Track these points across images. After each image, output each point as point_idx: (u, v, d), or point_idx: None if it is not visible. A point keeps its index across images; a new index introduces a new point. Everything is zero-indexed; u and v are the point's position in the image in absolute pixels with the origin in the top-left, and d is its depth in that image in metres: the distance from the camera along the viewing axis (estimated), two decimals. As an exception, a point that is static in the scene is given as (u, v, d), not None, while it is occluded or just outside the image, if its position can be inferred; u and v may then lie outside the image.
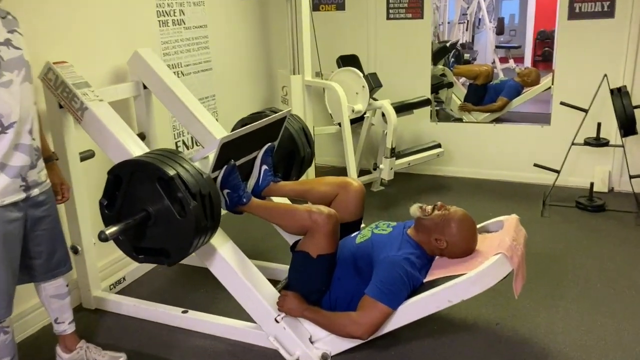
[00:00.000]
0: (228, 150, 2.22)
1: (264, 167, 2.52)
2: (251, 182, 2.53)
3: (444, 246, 2.16)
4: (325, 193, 2.45)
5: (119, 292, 2.84)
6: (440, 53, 5.03)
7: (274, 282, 2.42)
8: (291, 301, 2.19)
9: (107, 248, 2.53)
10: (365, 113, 3.78)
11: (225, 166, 2.25)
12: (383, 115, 3.61)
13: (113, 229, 1.92)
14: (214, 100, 3.75)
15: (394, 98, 3.94)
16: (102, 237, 1.89)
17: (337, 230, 2.19)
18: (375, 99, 3.73)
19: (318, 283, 2.24)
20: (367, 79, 3.44)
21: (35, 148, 1.87)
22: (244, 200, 2.31)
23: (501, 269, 2.00)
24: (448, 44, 5.50)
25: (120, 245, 2.15)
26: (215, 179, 2.23)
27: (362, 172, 4.08)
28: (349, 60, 3.94)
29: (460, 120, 5.07)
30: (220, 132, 2.71)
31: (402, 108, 3.81)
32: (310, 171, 3.84)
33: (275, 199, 2.61)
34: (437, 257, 2.24)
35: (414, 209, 2.24)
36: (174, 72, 3.33)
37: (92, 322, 2.61)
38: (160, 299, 2.70)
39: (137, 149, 2.28)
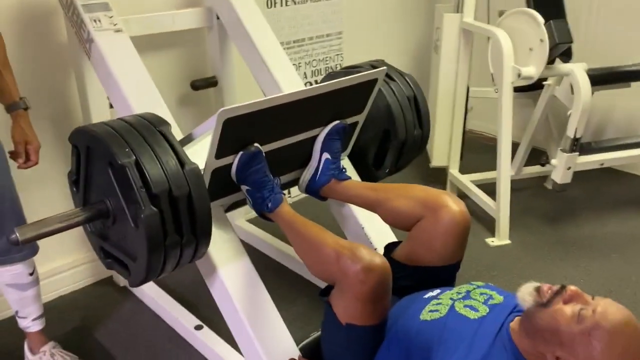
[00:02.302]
0: (247, 127, 1.43)
1: (326, 155, 1.67)
2: (306, 175, 1.71)
3: None
4: (404, 211, 1.50)
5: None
6: None
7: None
8: None
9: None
10: (545, 80, 2.56)
11: (242, 152, 1.47)
12: (573, 86, 2.37)
13: (29, 233, 1.30)
14: (340, 40, 2.88)
15: (606, 61, 2.61)
16: (12, 239, 1.28)
17: (383, 292, 1.28)
18: (565, 60, 2.49)
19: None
20: (550, 28, 2.22)
21: None
22: (269, 204, 1.52)
23: None
24: None
25: (88, 237, 1.56)
26: (220, 169, 1.47)
27: (533, 155, 2.89)
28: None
29: None
30: (293, 89, 1.89)
31: (606, 78, 2.48)
32: (455, 136, 2.82)
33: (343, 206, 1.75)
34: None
35: (525, 292, 1.20)
36: (281, 0, 2.55)
37: (111, 300, 2.16)
38: (193, 295, 2.11)
39: (142, 107, 1.60)
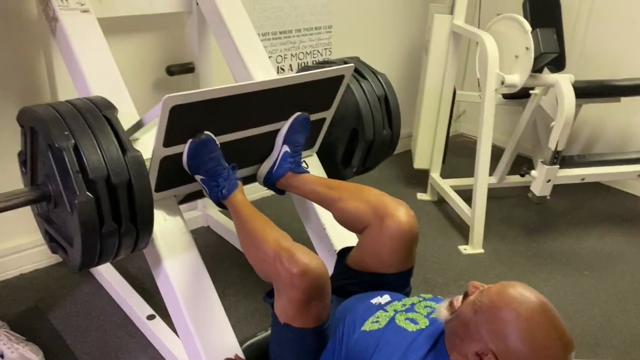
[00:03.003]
0: (199, 116, 1.39)
1: (286, 148, 1.64)
2: (265, 167, 1.69)
3: None
4: (354, 214, 1.47)
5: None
6: None
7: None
8: None
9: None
10: (532, 88, 2.50)
11: (191, 140, 1.43)
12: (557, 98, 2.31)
13: None
14: (329, 34, 2.83)
15: (600, 74, 2.55)
16: None
17: (317, 296, 1.24)
18: (553, 70, 2.43)
19: (286, 360, 1.36)
20: (536, 36, 2.16)
21: None
22: (223, 191, 1.49)
23: None
24: None
25: (35, 219, 1.54)
26: (170, 158, 1.43)
27: (519, 162, 2.84)
28: (541, 6, 2.60)
29: None
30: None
31: (594, 91, 2.42)
32: (439, 139, 2.77)
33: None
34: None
35: (441, 307, 1.17)
36: (269, -11, 2.50)
37: (71, 282, 2.14)
38: (153, 283, 2.08)
39: (101, 90, 1.56)
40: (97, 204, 1.24)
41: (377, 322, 1.28)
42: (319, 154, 1.89)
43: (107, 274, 2.09)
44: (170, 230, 1.51)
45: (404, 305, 1.33)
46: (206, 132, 1.44)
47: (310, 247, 1.56)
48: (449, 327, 1.13)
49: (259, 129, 1.57)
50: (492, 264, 2.39)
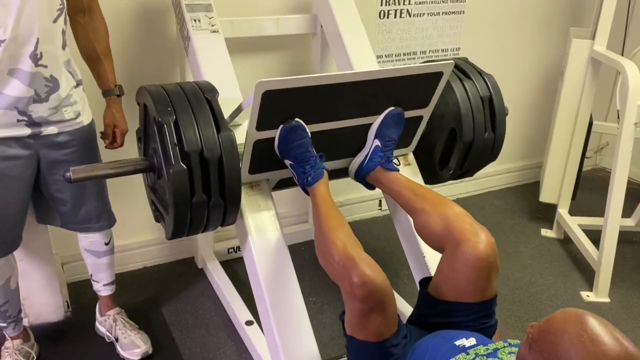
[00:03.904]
0: (290, 102, 1.45)
1: (377, 142, 1.63)
2: (356, 161, 1.69)
3: None
4: (430, 229, 1.42)
5: (235, 259, 2.42)
6: None
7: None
8: None
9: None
10: (683, 123, 2.21)
11: (282, 125, 1.48)
12: None
13: (81, 173, 1.41)
14: (457, 56, 2.75)
15: None
16: (66, 177, 1.40)
17: (379, 310, 1.22)
18: None
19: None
20: (688, 66, 1.91)
21: (46, 78, 1.49)
22: (309, 179, 1.53)
23: None
24: None
25: (145, 189, 1.67)
26: (263, 142, 1.50)
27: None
28: None
29: None
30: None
31: None
32: (570, 171, 2.54)
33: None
34: None
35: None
36: (396, 12, 2.51)
37: (187, 280, 2.31)
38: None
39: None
40: (190, 175, 1.34)
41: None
42: (415, 153, 1.86)
43: (217, 276, 2.23)
44: (258, 210, 1.57)
45: (487, 349, 1.25)
46: (297, 119, 1.48)
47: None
48: None
49: (351, 122, 1.58)
50: (617, 314, 2.14)
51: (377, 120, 1.61)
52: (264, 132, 1.47)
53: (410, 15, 2.56)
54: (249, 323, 1.96)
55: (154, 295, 2.21)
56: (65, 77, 1.55)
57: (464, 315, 1.34)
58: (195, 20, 1.85)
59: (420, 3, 2.55)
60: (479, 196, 3.12)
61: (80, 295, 2.16)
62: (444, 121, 1.76)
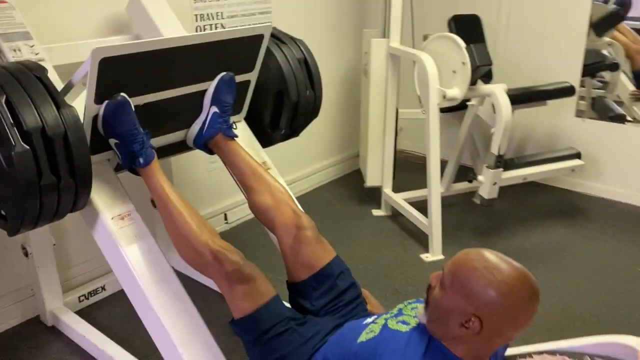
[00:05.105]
0: (128, 72, 1.43)
1: (214, 108, 1.71)
2: (194, 128, 1.75)
3: (477, 328, 1.11)
4: (263, 210, 1.66)
5: (89, 306, 2.23)
6: (609, 20, 3.60)
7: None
8: None
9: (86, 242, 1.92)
10: (468, 100, 2.69)
11: (107, 101, 1.45)
12: (494, 106, 2.50)
13: None
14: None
15: (524, 82, 2.78)
16: None
17: (253, 279, 1.42)
18: (486, 81, 2.63)
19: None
20: (470, 51, 2.34)
21: None
22: (140, 160, 1.53)
23: None
24: (622, 8, 3.98)
25: None
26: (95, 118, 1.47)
27: (461, 171, 3.02)
28: (465, 24, 2.80)
29: (621, 118, 3.61)
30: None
31: (525, 97, 2.64)
32: (387, 156, 2.88)
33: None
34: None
35: (418, 313, 1.26)
36: (211, 25, 2.55)
37: (38, 342, 2.04)
38: (127, 329, 2.04)
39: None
40: (35, 156, 1.26)
41: (371, 332, 1.34)
42: (247, 120, 1.96)
43: (79, 327, 2.01)
44: (106, 191, 1.54)
45: (392, 312, 1.40)
46: (122, 93, 1.46)
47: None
48: (430, 322, 1.21)
49: (186, 89, 1.63)
50: (454, 268, 2.51)
51: (211, 87, 1.68)
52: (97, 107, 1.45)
53: (224, 28, 2.62)
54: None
55: (5, 367, 1.92)
56: None
57: (329, 277, 1.54)
58: (15, 50, 1.67)
59: (231, 16, 2.61)
60: (310, 193, 3.33)
61: None
62: (268, 85, 1.88)
